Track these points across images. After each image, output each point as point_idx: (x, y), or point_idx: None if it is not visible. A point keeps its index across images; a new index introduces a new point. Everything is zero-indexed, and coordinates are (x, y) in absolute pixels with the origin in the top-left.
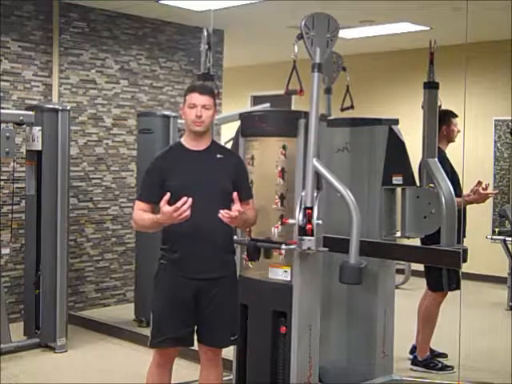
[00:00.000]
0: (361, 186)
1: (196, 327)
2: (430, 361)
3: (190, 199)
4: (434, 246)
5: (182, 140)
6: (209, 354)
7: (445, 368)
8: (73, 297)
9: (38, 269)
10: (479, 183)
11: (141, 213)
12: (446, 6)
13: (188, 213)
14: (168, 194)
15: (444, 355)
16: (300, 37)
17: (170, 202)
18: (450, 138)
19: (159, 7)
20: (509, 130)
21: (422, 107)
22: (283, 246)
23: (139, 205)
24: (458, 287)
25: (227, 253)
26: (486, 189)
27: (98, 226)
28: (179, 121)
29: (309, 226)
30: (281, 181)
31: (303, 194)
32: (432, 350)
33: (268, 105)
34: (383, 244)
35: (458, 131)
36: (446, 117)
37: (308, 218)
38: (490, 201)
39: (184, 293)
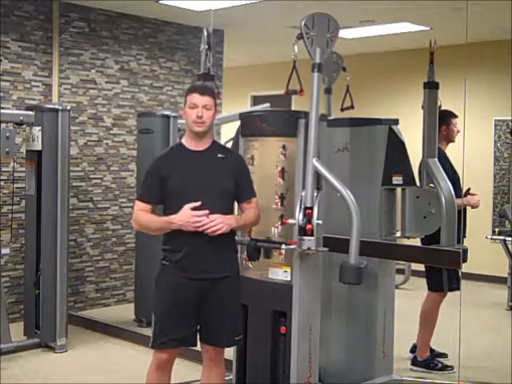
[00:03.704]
0: (361, 186)
1: (199, 327)
2: (430, 361)
3: (208, 212)
4: (434, 246)
5: (183, 140)
6: (211, 353)
7: (445, 368)
8: (73, 297)
9: (38, 269)
10: (468, 190)
11: (143, 213)
12: (446, 5)
13: (203, 227)
14: (198, 203)
15: (444, 355)
16: (300, 37)
17: (172, 202)
18: (449, 138)
19: (159, 7)
20: (509, 130)
21: (422, 107)
22: (283, 246)
23: (139, 205)
24: (458, 287)
25: (229, 252)
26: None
27: (98, 225)
28: (179, 121)
29: (309, 226)
30: (281, 181)
31: (303, 193)
32: (432, 350)
33: (268, 105)
34: (383, 244)
35: (458, 131)
36: (446, 117)
37: (308, 218)
38: (490, 201)
39: (187, 293)
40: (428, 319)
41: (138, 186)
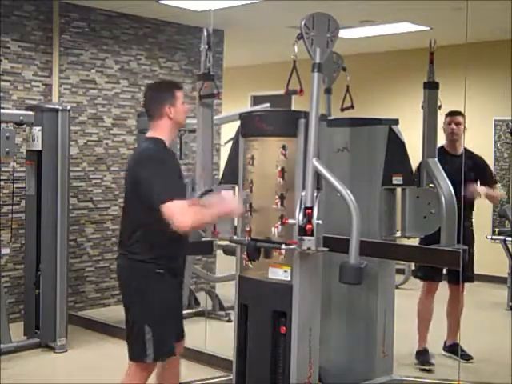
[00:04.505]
0: (361, 186)
1: None
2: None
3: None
4: (433, 246)
5: (163, 138)
6: (179, 347)
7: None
8: (73, 297)
9: (38, 269)
10: None
11: (189, 209)
12: (445, 5)
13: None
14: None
15: (469, 357)
16: (300, 37)
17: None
18: (447, 137)
19: (159, 7)
20: (509, 130)
21: (422, 107)
22: (283, 246)
23: (178, 203)
24: (434, 279)
25: None
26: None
27: (98, 226)
28: None
29: (309, 226)
30: (281, 181)
31: (303, 193)
32: (455, 347)
33: (268, 105)
34: (383, 244)
35: (452, 128)
36: None
37: (308, 218)
38: None
39: (178, 297)
40: (419, 310)
41: (159, 188)
